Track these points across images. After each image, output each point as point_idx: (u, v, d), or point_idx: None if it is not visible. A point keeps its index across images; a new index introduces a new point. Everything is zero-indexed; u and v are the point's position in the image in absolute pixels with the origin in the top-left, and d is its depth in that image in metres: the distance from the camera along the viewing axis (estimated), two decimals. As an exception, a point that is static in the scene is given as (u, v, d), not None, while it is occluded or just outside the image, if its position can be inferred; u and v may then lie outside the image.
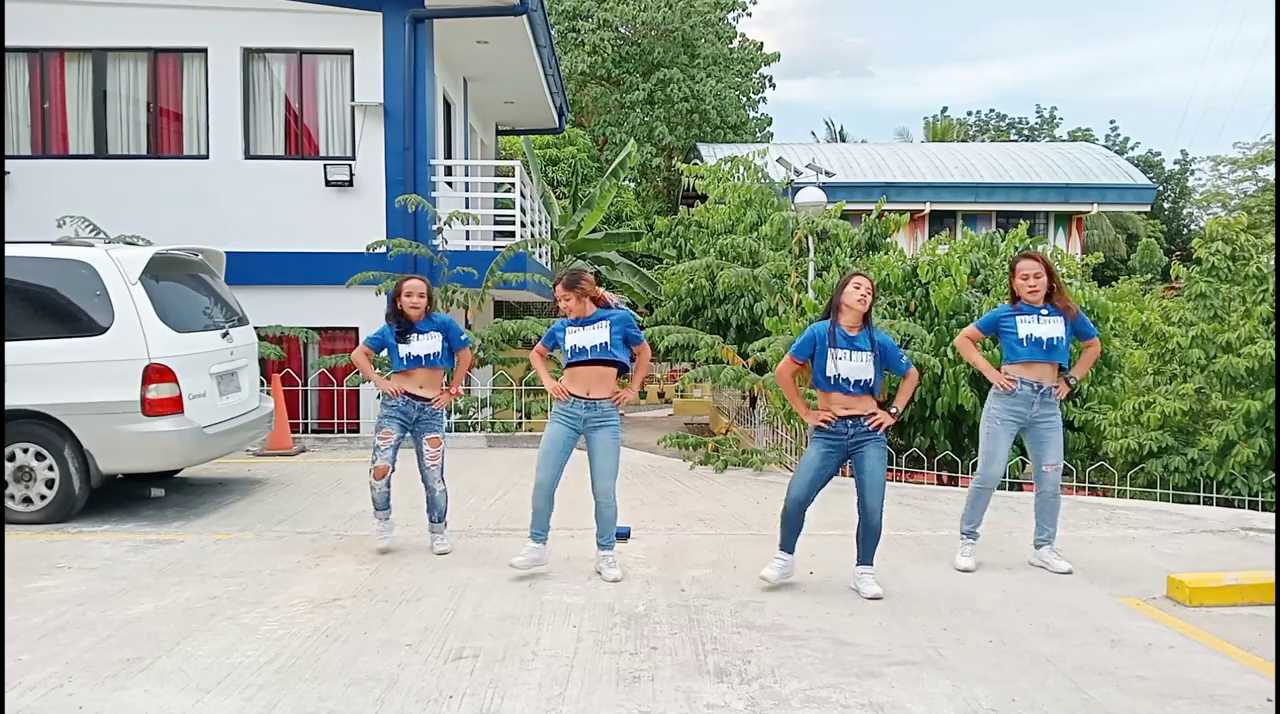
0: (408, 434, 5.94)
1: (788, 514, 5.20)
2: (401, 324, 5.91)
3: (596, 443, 5.37)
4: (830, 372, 5.01)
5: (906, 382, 5.23)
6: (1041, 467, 5.61)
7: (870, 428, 5.04)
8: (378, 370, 6.49)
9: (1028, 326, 5.48)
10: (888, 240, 14.25)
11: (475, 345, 10.66)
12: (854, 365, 5.00)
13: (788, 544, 5.25)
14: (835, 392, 5.04)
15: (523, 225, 13.71)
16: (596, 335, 5.31)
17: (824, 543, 6.26)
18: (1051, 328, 5.46)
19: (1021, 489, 9.29)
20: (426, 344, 5.89)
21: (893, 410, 5.12)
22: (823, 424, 5.08)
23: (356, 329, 11.40)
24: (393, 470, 5.91)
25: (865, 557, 5.19)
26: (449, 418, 11.17)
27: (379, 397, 6.21)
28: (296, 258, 11.38)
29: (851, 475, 5.25)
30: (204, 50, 11.67)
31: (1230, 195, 38.96)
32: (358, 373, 10.68)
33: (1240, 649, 4.36)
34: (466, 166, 13.98)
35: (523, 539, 5.69)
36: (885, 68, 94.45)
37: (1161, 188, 40.51)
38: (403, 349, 5.88)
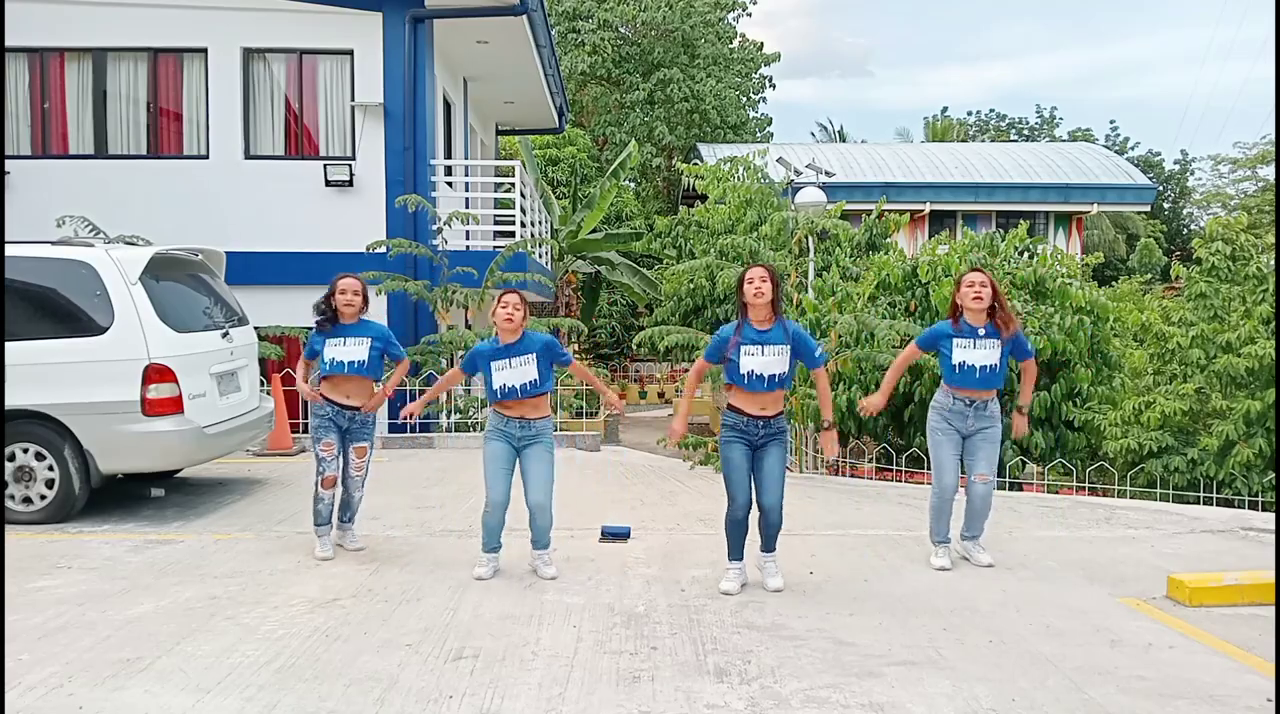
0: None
1: (735, 521, 5.16)
2: (327, 325, 5.68)
3: (529, 459, 5.35)
4: (744, 369, 4.99)
5: (820, 384, 5.30)
6: (972, 477, 5.65)
7: (782, 427, 5.10)
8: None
9: (962, 353, 5.49)
10: (888, 240, 14.28)
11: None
12: (766, 360, 4.98)
13: (738, 553, 5.24)
14: (748, 390, 5.02)
15: (523, 225, 13.71)
16: (525, 373, 5.20)
17: (824, 543, 6.26)
18: (986, 355, 5.47)
19: (1021, 489, 9.31)
20: (354, 350, 5.66)
21: (826, 423, 5.33)
22: (681, 436, 5.33)
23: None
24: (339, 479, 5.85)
25: (767, 545, 5.28)
26: (449, 418, 11.20)
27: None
28: (296, 258, 11.38)
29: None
30: (204, 50, 11.67)
31: (1230, 195, 38.94)
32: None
33: (1240, 649, 4.36)
34: (466, 166, 13.98)
35: (523, 539, 5.70)
36: (885, 68, 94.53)
37: (1161, 188, 40.51)
38: (327, 353, 5.67)
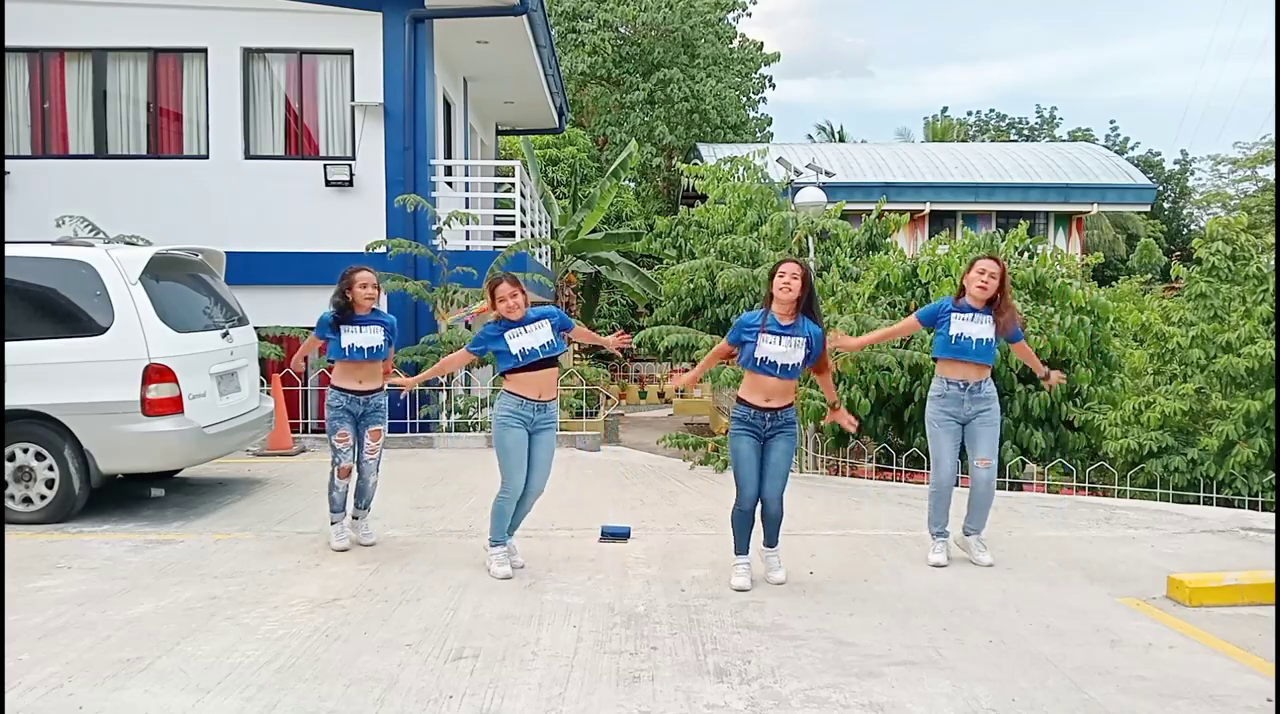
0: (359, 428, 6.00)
1: (743, 514, 5.21)
2: (345, 314, 5.88)
3: (541, 445, 5.41)
4: (760, 353, 5.04)
5: (823, 376, 5.34)
6: (974, 462, 5.67)
7: (790, 420, 5.14)
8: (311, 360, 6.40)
9: (960, 325, 5.57)
10: (888, 240, 14.27)
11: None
12: (781, 349, 5.03)
13: (744, 547, 5.28)
14: (760, 373, 5.07)
15: (523, 225, 13.71)
16: (541, 335, 5.29)
17: (824, 543, 6.26)
18: (982, 329, 5.56)
19: (1021, 489, 9.30)
20: (370, 337, 5.90)
21: (835, 404, 5.36)
22: (685, 385, 5.34)
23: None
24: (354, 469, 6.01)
25: (770, 540, 5.32)
26: (449, 418, 11.20)
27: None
28: (296, 258, 11.37)
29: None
30: (204, 50, 11.67)
31: (1230, 195, 38.95)
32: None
33: (1240, 649, 4.36)
34: (466, 166, 13.98)
35: (523, 539, 5.70)
36: (885, 68, 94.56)
37: (1161, 188, 40.50)
38: (345, 340, 5.86)
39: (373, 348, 5.91)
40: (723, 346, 5.36)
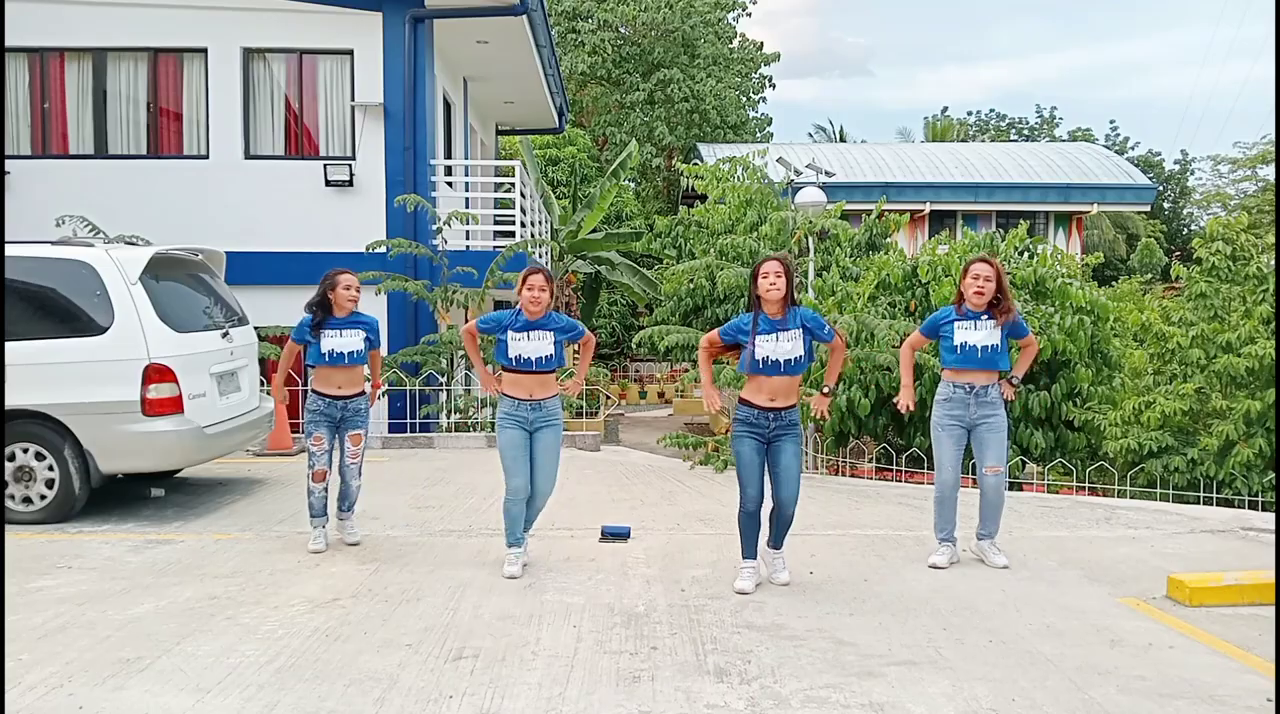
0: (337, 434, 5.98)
1: (749, 515, 5.18)
2: (320, 316, 5.87)
3: (540, 443, 5.39)
4: (760, 354, 5.02)
5: (834, 354, 5.30)
6: (983, 469, 5.63)
7: (794, 421, 5.10)
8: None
9: (963, 334, 5.54)
10: (888, 240, 14.27)
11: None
12: (782, 346, 5.01)
13: (751, 551, 5.26)
14: (763, 375, 5.04)
15: (523, 225, 13.71)
16: (541, 347, 5.28)
17: (824, 543, 6.26)
18: (987, 336, 5.52)
19: (1021, 489, 9.30)
20: (350, 341, 5.86)
21: (826, 389, 5.29)
22: (715, 405, 5.19)
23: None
24: (330, 472, 5.95)
25: (776, 541, 5.31)
26: (449, 418, 11.19)
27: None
28: (297, 258, 11.37)
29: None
30: (204, 50, 11.67)
31: (1230, 195, 38.94)
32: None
33: (1240, 649, 4.36)
34: (466, 166, 13.98)
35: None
36: (885, 68, 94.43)
37: (1161, 188, 40.49)
38: (324, 345, 5.85)
39: (352, 352, 5.86)
40: (712, 336, 5.28)
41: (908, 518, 7.04)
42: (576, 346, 5.72)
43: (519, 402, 5.34)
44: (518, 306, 5.40)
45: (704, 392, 5.33)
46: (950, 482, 5.65)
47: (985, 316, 5.56)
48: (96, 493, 6.86)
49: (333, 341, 5.84)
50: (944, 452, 5.64)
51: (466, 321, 12.68)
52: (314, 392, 5.90)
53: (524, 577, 5.40)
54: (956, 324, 5.58)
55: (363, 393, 6.07)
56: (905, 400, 5.75)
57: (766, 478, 5.18)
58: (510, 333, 5.32)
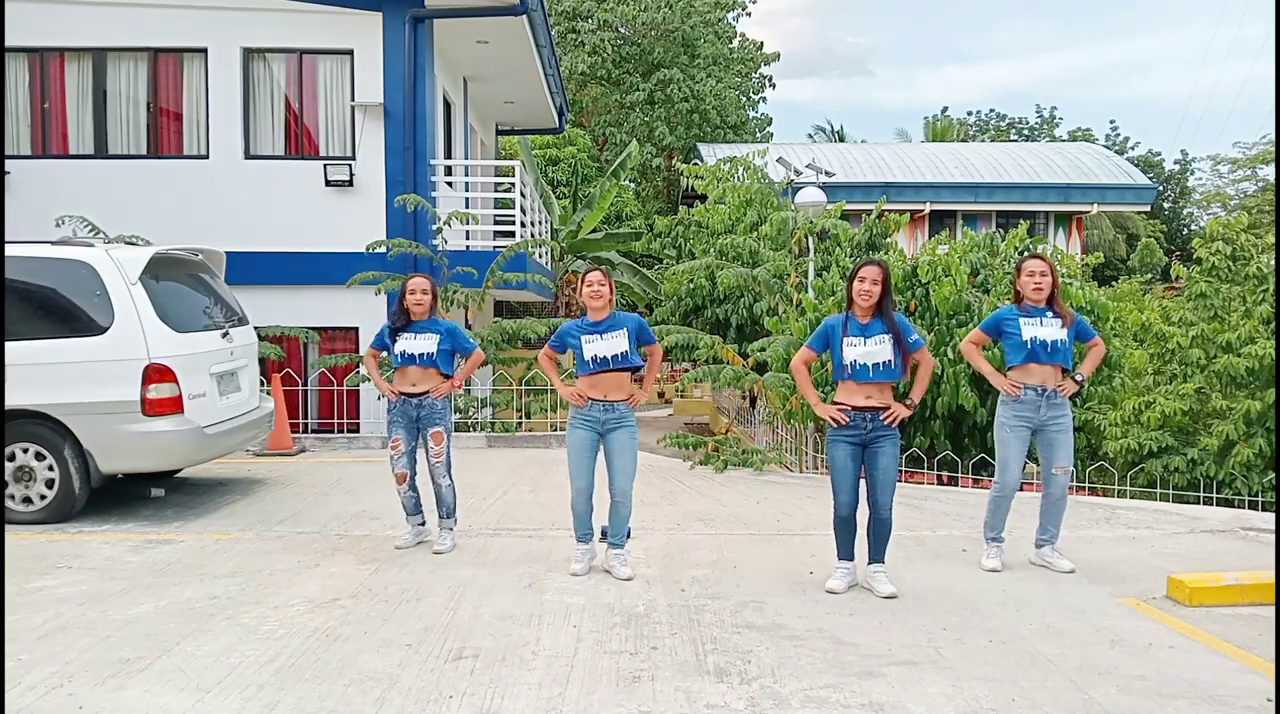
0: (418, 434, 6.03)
1: (842, 520, 5.19)
2: (400, 322, 5.99)
3: (614, 443, 5.40)
4: (847, 359, 5.03)
5: (922, 367, 5.23)
6: (1051, 469, 5.60)
7: (886, 422, 5.05)
8: (382, 371, 6.53)
9: (1032, 329, 5.49)
10: (888, 240, 14.26)
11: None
12: (869, 349, 5.01)
13: (847, 552, 5.24)
14: (853, 380, 5.04)
15: (523, 225, 13.71)
16: (616, 344, 5.31)
17: (824, 543, 6.25)
18: (1054, 331, 5.48)
19: (1022, 489, 9.30)
20: (422, 344, 5.94)
21: (908, 402, 5.16)
22: (838, 419, 5.06)
23: (356, 329, 11.40)
24: (413, 474, 6.00)
25: (877, 554, 5.21)
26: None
27: (379, 397, 6.25)
28: (296, 258, 11.38)
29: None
30: (204, 50, 11.66)
31: (1230, 195, 38.94)
32: (358, 372, 10.68)
33: (1240, 649, 4.36)
34: (466, 166, 13.98)
35: (524, 539, 5.70)
36: (885, 68, 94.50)
37: (1161, 188, 40.48)
38: (397, 347, 5.95)
39: (424, 354, 5.92)
40: (805, 355, 5.28)
41: (908, 518, 7.04)
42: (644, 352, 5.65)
43: (592, 402, 5.36)
44: (582, 315, 5.43)
45: (817, 410, 5.24)
46: (1013, 483, 5.61)
47: (1050, 313, 5.51)
48: (96, 493, 6.86)
49: (404, 344, 5.94)
50: (1010, 452, 5.58)
51: (467, 322, 12.72)
52: (393, 388, 6.00)
53: (524, 577, 5.40)
54: (1022, 319, 5.53)
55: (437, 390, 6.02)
56: (1006, 385, 5.58)
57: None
58: (582, 337, 5.35)
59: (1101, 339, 5.84)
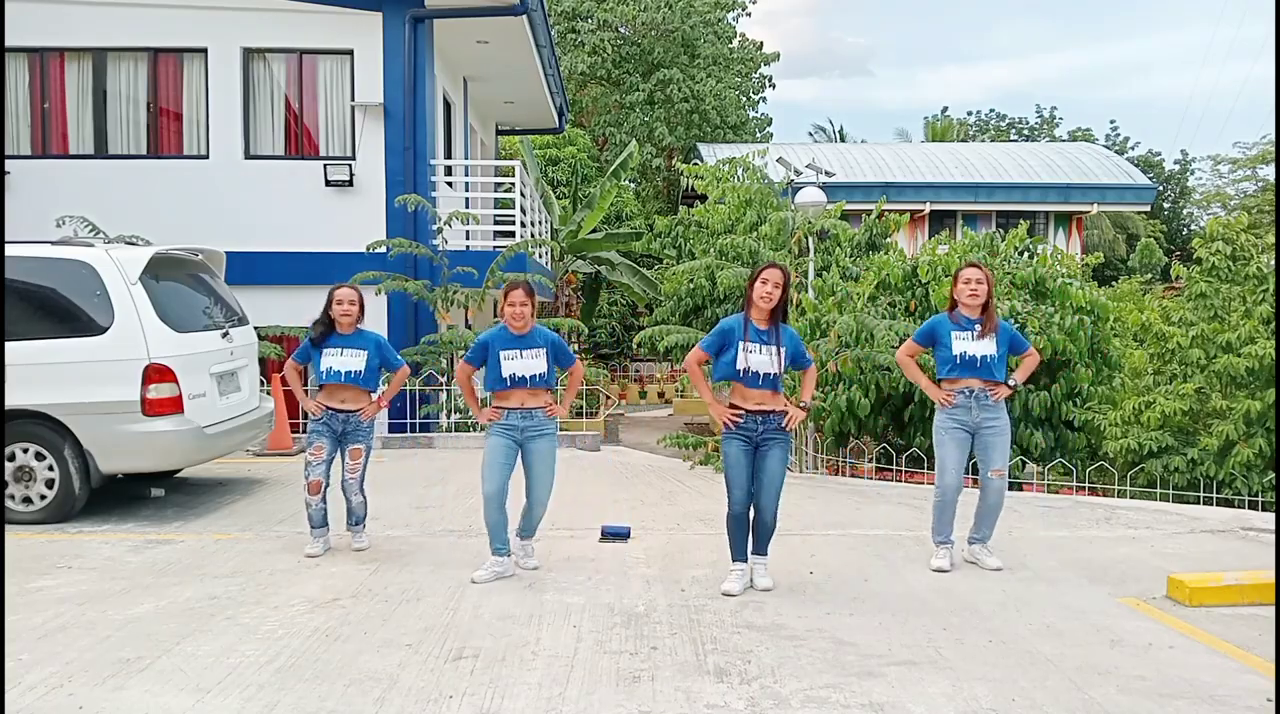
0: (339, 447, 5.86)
1: (733, 517, 5.15)
2: (323, 333, 5.76)
3: (533, 454, 5.37)
4: (741, 365, 5.00)
5: (807, 376, 5.28)
6: (987, 472, 5.62)
7: (782, 426, 5.05)
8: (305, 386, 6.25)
9: (962, 344, 5.52)
10: (888, 240, 14.27)
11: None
12: (762, 358, 4.99)
13: (740, 553, 5.21)
14: (743, 384, 5.03)
15: (523, 225, 13.72)
16: (534, 365, 5.26)
17: (824, 543, 6.26)
18: (985, 346, 5.50)
19: (1021, 489, 9.30)
20: (350, 360, 5.74)
21: (802, 405, 5.17)
22: (734, 420, 5.04)
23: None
24: (326, 485, 5.83)
25: (759, 547, 5.24)
26: (449, 418, 11.19)
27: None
28: (297, 258, 11.38)
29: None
30: (204, 50, 11.67)
31: (1230, 195, 38.94)
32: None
33: (1240, 649, 4.36)
34: (466, 166, 13.98)
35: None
36: (885, 68, 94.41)
37: (1161, 188, 40.48)
38: (324, 363, 5.75)
39: (350, 372, 5.73)
40: (698, 354, 5.21)
41: (908, 518, 7.04)
42: (564, 373, 5.61)
43: (509, 411, 5.32)
44: (500, 323, 5.39)
45: (711, 409, 5.25)
46: (953, 485, 5.64)
47: (980, 324, 5.54)
48: (96, 493, 6.86)
49: (330, 360, 5.75)
50: (947, 455, 5.62)
51: (467, 322, 12.71)
52: (320, 402, 5.83)
53: (524, 577, 5.40)
54: (954, 333, 5.56)
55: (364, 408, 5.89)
56: (941, 396, 5.63)
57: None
58: (501, 352, 5.27)
59: (1036, 350, 5.86)
